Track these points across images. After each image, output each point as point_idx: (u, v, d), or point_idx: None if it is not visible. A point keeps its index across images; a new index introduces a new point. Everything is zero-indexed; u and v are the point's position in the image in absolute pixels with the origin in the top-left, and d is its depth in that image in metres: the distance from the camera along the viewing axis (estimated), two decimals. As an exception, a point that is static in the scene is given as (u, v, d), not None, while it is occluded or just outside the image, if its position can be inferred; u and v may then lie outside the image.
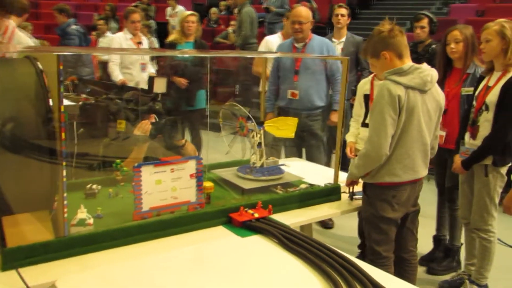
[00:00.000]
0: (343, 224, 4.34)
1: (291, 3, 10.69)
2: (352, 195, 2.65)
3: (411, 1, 12.47)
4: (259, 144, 2.72)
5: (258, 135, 2.69)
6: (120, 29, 9.50)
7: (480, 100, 3.03)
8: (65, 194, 1.83)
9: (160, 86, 3.07)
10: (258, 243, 2.07)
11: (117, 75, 5.11)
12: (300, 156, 4.30)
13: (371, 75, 3.37)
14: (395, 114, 2.29)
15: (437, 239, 3.72)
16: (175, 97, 5.20)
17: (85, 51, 4.99)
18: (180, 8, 10.34)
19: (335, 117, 4.21)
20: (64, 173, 1.82)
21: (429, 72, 2.37)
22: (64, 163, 1.81)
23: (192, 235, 2.13)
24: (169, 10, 10.49)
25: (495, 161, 2.94)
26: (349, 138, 3.49)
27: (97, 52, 5.41)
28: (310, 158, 4.16)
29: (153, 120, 3.07)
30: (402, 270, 2.63)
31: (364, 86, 3.39)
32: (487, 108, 2.97)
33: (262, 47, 5.22)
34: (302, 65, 4.14)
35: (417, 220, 2.67)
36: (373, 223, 2.48)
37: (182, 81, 5.11)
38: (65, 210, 1.84)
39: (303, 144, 4.32)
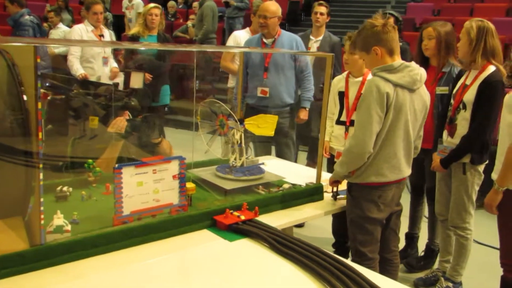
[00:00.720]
0: (314, 223, 4.30)
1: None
2: (336, 194, 2.59)
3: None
4: (239, 142, 2.62)
5: (239, 133, 2.59)
6: (75, 21, 9.13)
7: (457, 98, 3.04)
8: (42, 199, 1.67)
9: (137, 81, 2.91)
10: (248, 247, 1.98)
11: (78, 69, 4.85)
12: (269, 154, 4.23)
13: (345, 72, 3.33)
14: (382, 112, 2.25)
15: (409, 237, 3.74)
16: (139, 92, 5.02)
17: (62, 43, 4.68)
18: (137, 0, 10.03)
19: (304, 115, 4.18)
20: (41, 175, 1.66)
21: (419, 71, 2.34)
22: (40, 165, 1.65)
23: (176, 239, 2.01)
24: (125, 2, 10.16)
25: (473, 159, 2.96)
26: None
27: (74, 44, 5.04)
28: (279, 156, 4.10)
29: (127, 117, 2.92)
30: (384, 270, 2.60)
31: (338, 83, 3.35)
32: (464, 107, 2.99)
33: (230, 42, 5.10)
34: (272, 62, 4.05)
35: (399, 220, 2.65)
36: (358, 224, 2.43)
37: (146, 76, 4.93)
38: (42, 216, 1.68)
39: (272, 142, 4.25)
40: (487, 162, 3.05)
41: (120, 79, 4.94)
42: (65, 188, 2.31)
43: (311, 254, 1.87)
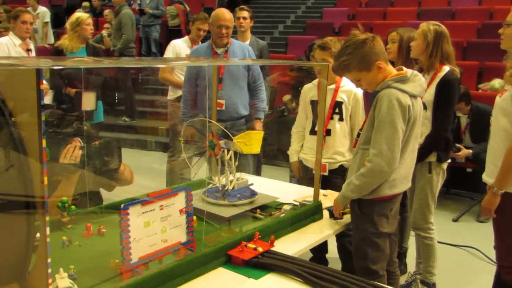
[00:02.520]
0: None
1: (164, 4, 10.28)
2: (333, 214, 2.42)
3: (280, 3, 12.83)
4: (229, 163, 2.38)
5: (229, 154, 2.35)
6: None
7: (418, 99, 3.06)
8: (49, 260, 1.34)
9: (89, 102, 2.55)
10: (278, 284, 1.76)
11: None
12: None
13: (316, 80, 3.20)
14: (405, 125, 2.13)
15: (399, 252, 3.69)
16: (71, 110, 4.54)
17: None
18: (42, 9, 9.27)
19: (259, 126, 4.00)
20: (48, 231, 1.33)
21: (423, 78, 2.26)
22: (47, 218, 1.32)
23: (197, 284, 1.73)
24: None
25: (440, 157, 3.00)
26: (293, 157, 3.31)
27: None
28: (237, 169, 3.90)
29: (79, 144, 2.54)
30: (388, 284, 2.50)
31: (309, 92, 3.21)
32: (425, 107, 3.00)
33: (169, 51, 4.79)
34: (226, 72, 3.84)
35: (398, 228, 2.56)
36: (370, 241, 2.28)
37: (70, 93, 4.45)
38: (50, 281, 1.34)
39: None
40: (449, 160, 3.11)
41: (48, 97, 4.43)
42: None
43: (348, 283, 1.70)
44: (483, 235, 4.33)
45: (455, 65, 3.08)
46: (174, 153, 4.73)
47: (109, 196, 2.75)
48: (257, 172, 4.58)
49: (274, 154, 6.28)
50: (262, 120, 4.05)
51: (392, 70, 2.22)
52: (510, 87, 2.44)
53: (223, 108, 3.80)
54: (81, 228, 2.12)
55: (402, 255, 3.60)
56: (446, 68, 2.99)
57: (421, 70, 3.09)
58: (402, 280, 3.43)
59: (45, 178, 1.29)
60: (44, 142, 1.28)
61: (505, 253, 2.54)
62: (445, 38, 3.00)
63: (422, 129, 2.96)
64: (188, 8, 11.11)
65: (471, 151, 4.71)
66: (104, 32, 8.79)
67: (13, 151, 1.31)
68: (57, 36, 10.74)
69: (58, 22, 12.28)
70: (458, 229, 4.50)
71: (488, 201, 2.48)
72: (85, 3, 11.85)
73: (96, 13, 11.44)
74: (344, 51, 2.21)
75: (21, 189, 1.31)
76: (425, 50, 3.00)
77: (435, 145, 3.00)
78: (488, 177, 2.57)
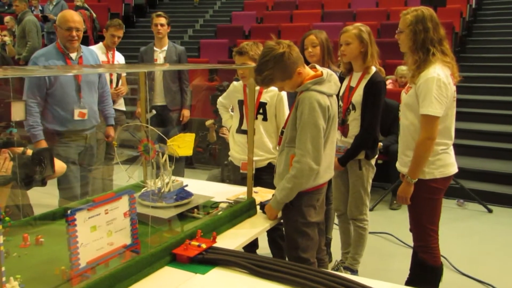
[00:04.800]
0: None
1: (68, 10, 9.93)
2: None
3: (188, 7, 12.88)
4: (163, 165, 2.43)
5: (164, 156, 2.40)
6: None
7: (346, 100, 3.26)
8: (3, 268, 1.33)
9: (19, 112, 2.47)
10: (225, 276, 1.85)
11: None
12: None
13: (240, 81, 3.32)
14: (325, 124, 2.30)
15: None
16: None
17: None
18: None
19: (113, 132, 4.12)
20: (1, 239, 1.32)
21: (336, 77, 2.44)
22: (0, 226, 1.32)
23: (146, 284, 1.78)
24: None
25: (367, 154, 3.22)
26: (228, 123, 3.51)
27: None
28: None
29: (8, 155, 2.47)
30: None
31: (237, 91, 3.32)
32: (354, 108, 3.22)
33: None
34: (84, 79, 3.70)
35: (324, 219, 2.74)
36: (300, 231, 2.44)
37: None
38: (5, 290, 1.34)
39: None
40: (377, 155, 3.34)
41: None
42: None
43: (293, 271, 1.83)
44: (396, 221, 4.70)
45: (378, 63, 3.27)
46: None
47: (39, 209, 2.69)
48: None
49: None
50: (114, 126, 4.16)
51: (309, 71, 2.38)
52: (413, 85, 2.69)
53: (86, 117, 3.70)
54: (17, 239, 2.06)
55: (327, 245, 3.82)
56: (373, 69, 3.18)
57: (348, 71, 3.30)
58: (329, 268, 3.65)
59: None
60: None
61: (421, 234, 2.81)
62: (372, 38, 3.19)
63: (352, 129, 3.22)
64: (94, 15, 10.84)
65: (381, 144, 5.06)
66: (7, 40, 8.34)
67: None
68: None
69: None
70: (374, 217, 4.80)
71: (403, 190, 2.74)
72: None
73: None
74: (265, 65, 2.29)
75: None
76: (360, 53, 3.14)
77: (364, 144, 3.20)
78: (401, 166, 2.83)
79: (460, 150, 5.87)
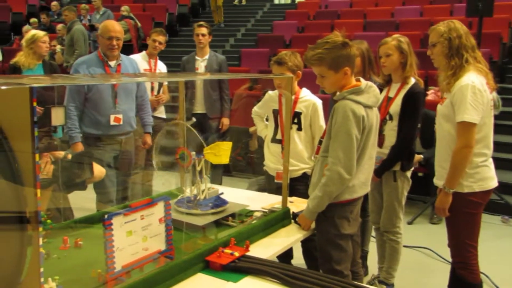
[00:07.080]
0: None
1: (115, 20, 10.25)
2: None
3: (231, 17, 13.02)
4: (200, 173, 2.47)
5: (201, 164, 2.44)
6: None
7: (383, 110, 3.22)
8: (41, 269, 1.38)
9: (59, 117, 2.57)
10: (258, 286, 1.85)
11: None
12: None
13: (276, 91, 3.32)
14: (359, 134, 2.28)
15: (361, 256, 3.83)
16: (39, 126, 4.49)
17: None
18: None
19: (150, 140, 4.16)
20: (41, 241, 1.38)
21: (377, 89, 2.42)
22: (40, 229, 1.37)
23: (179, 290, 1.81)
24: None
25: (403, 166, 3.16)
26: (263, 132, 3.52)
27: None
28: None
29: (49, 159, 2.57)
30: (353, 284, 2.64)
31: (272, 100, 3.33)
32: (391, 118, 3.18)
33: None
34: (121, 86, 3.83)
35: (359, 232, 2.71)
36: (333, 242, 2.42)
37: (38, 111, 4.42)
38: (43, 290, 1.39)
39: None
40: (413, 168, 3.28)
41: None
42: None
43: (325, 283, 1.81)
44: (436, 236, 4.57)
45: (417, 74, 3.23)
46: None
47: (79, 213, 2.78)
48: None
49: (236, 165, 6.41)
50: (151, 134, 4.20)
51: (352, 81, 2.37)
52: (448, 94, 2.64)
53: (121, 122, 3.82)
54: (57, 241, 2.14)
55: (363, 258, 3.76)
56: (412, 80, 3.15)
57: (387, 82, 3.27)
58: (364, 282, 3.60)
59: (38, 191, 1.34)
60: (37, 156, 1.34)
61: (459, 250, 2.73)
62: (411, 48, 3.17)
63: (388, 139, 3.16)
64: (139, 24, 11.12)
65: (422, 156, 4.96)
66: (58, 48, 8.67)
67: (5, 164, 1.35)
68: (4, 54, 10.49)
69: (3, 39, 12.01)
70: (413, 231, 4.72)
71: (441, 201, 2.67)
72: (33, 19, 11.65)
73: (45, 29, 11.24)
74: (322, 45, 2.31)
75: (14, 201, 1.35)
76: (401, 63, 3.14)
77: (400, 155, 3.15)
78: (438, 180, 2.76)
79: (505, 164, 5.76)
